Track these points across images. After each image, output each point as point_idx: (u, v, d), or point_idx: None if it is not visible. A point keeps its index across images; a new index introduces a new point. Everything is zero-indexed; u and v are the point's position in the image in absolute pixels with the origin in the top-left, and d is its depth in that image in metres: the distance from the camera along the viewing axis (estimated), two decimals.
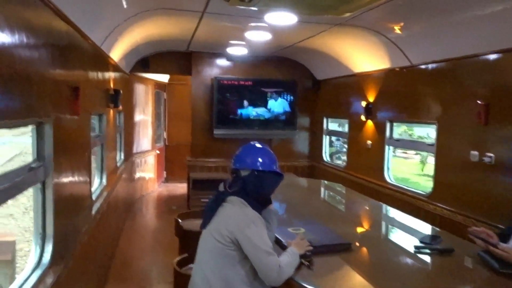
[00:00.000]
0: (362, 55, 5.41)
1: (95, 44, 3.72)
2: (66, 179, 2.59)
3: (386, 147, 5.16)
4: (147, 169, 8.40)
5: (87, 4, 2.97)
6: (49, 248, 2.23)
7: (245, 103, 7.03)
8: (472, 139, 3.64)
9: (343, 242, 2.58)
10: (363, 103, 5.57)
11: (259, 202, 2.32)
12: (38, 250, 2.21)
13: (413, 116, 4.71)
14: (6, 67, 1.65)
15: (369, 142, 5.58)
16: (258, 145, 2.50)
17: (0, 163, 15.50)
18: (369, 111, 5.51)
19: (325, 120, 7.18)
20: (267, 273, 2.06)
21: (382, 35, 4.46)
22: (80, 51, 3.22)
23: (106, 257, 4.53)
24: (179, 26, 4.99)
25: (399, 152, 14.99)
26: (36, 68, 2.03)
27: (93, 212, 3.48)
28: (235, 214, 2.20)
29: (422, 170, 15.47)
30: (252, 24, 4.65)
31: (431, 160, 15.85)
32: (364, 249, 2.74)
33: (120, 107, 4.94)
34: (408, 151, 15.79)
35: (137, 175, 7.78)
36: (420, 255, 2.51)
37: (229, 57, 7.02)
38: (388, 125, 5.14)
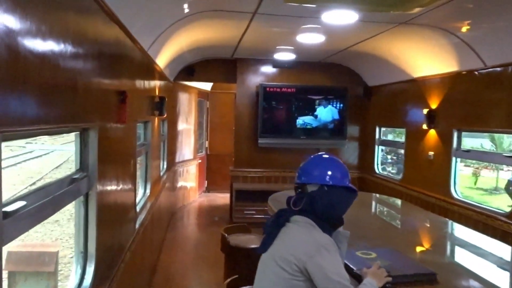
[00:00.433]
0: (424, 58, 4.94)
1: (143, 49, 3.54)
2: (110, 191, 2.36)
3: (453, 158, 4.63)
4: (189, 179, 8.25)
5: (138, 7, 2.78)
6: (91, 269, 1.99)
7: (292, 111, 6.70)
8: None
9: (427, 271, 2.17)
10: (425, 111, 5.07)
11: (330, 223, 1.96)
12: (79, 271, 1.97)
13: (486, 124, 4.18)
14: (50, 71, 1.42)
15: (431, 153, 5.07)
16: (326, 156, 2.16)
17: (48, 169, 16.10)
18: (432, 119, 5.00)
19: (377, 129, 6.70)
20: None
21: (452, 34, 4.00)
22: (129, 56, 3.03)
23: (148, 272, 4.31)
24: (227, 30, 4.76)
25: None
26: (82, 74, 1.81)
27: (137, 225, 3.26)
28: (303, 237, 1.85)
29: (475, 184, 14.42)
30: (305, 26, 4.34)
31: (485, 173, 14.78)
32: (451, 281, 2.30)
33: (165, 115, 4.77)
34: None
35: (179, 184, 7.63)
36: None
37: (275, 64, 6.74)
38: (455, 135, 4.61)
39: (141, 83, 3.68)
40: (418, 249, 2.84)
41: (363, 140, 7.06)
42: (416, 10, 3.39)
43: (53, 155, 19.03)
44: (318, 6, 3.34)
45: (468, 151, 4.68)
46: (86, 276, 1.98)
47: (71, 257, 6.63)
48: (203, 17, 3.95)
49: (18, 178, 14.41)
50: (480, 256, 2.92)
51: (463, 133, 4.69)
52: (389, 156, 10.85)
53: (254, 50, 6.05)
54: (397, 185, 5.90)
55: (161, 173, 5.71)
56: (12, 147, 17.10)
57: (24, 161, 17.09)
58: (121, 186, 2.65)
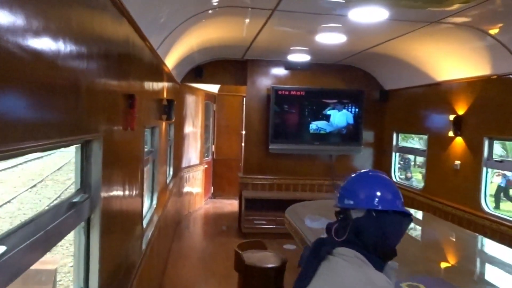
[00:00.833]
0: (451, 60, 4.60)
1: (153, 48, 3.22)
2: (116, 211, 2.03)
3: (484, 169, 4.28)
4: (195, 185, 7.92)
5: (149, 0, 2.47)
6: None
7: (304, 115, 6.37)
8: None
9: None
10: (451, 117, 4.73)
11: (381, 256, 1.62)
12: None
13: None
14: (43, 71, 1.10)
15: (457, 162, 4.72)
16: (372, 173, 1.81)
17: (49, 171, 15.80)
18: (458, 126, 4.66)
19: (394, 135, 6.36)
20: None
21: (487, 34, 3.66)
22: (138, 56, 2.71)
23: None
24: (241, 29, 4.44)
25: None
26: (86, 75, 1.49)
27: (144, 245, 2.92)
28: (354, 277, 1.51)
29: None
30: (326, 25, 4.01)
31: (496, 179, 14.35)
32: None
33: (173, 119, 4.45)
34: None
35: (185, 191, 7.30)
36: None
37: (287, 65, 6.41)
38: (486, 143, 4.27)
39: (149, 86, 3.36)
40: (466, 276, 2.50)
41: (379, 146, 6.72)
42: (455, 6, 3.06)
43: (55, 156, 18.74)
44: (346, 1, 3.01)
45: (501, 161, 4.33)
46: None
47: (71, 266, 6.31)
48: (217, 14, 3.63)
49: (19, 180, 14.11)
50: None
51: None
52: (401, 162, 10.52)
53: (267, 50, 5.73)
54: (418, 195, 5.55)
55: (168, 180, 5.39)
56: None
57: (26, 162, 16.79)
58: (127, 204, 2.32)
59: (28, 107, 1.01)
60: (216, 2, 3.32)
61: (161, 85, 4.21)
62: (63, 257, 6.73)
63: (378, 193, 1.64)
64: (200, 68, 6.44)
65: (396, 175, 6.43)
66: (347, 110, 6.40)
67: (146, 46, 2.98)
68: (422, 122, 5.54)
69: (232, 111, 8.95)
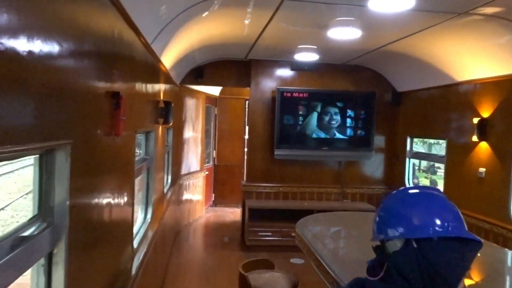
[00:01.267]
0: (476, 58, 4.19)
1: (146, 42, 2.83)
2: (93, 238, 1.63)
3: None
4: (195, 192, 7.50)
5: None
6: None
7: (312, 118, 5.97)
8: None
9: None
10: (474, 120, 4.32)
11: None
12: None
13: None
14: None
15: (482, 169, 4.31)
16: (412, 191, 1.39)
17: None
18: (483, 129, 4.25)
19: (408, 140, 5.95)
20: None
21: None
22: (127, 49, 2.32)
23: None
24: (245, 24, 4.05)
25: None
26: (49, 68, 1.09)
27: (134, 268, 2.50)
28: None
29: None
30: (340, 18, 3.62)
31: None
32: None
33: (171, 123, 4.06)
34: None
35: (184, 199, 6.88)
36: None
37: (293, 66, 6.02)
38: None
39: (143, 85, 2.96)
40: None
41: (391, 151, 6.31)
42: None
43: None
44: None
45: None
46: None
47: None
48: (219, 5, 3.24)
49: (15, 186, 13.70)
50: None
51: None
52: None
53: (272, 49, 5.34)
54: None
55: (165, 190, 4.98)
56: None
57: (23, 167, 16.38)
58: (111, 225, 1.92)
59: None
60: None
61: (157, 86, 3.82)
62: None
63: (416, 219, 1.23)
64: (201, 69, 6.05)
65: (411, 183, 6.01)
66: (358, 113, 6.00)
67: (138, 39, 2.59)
68: (440, 126, 5.13)
69: (234, 114, 8.55)
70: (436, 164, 15.91)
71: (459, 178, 4.72)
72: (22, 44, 0.97)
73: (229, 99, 8.53)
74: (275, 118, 5.91)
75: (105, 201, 1.81)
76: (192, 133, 7.26)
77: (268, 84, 6.11)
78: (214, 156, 8.62)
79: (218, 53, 5.62)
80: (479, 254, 3.16)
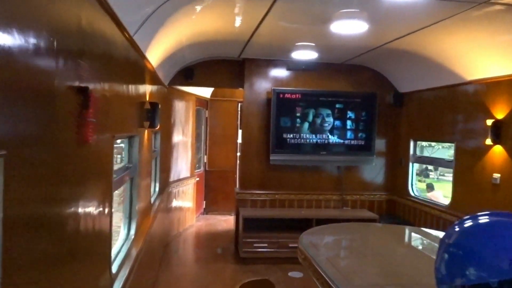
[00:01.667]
0: (490, 54, 3.87)
1: (127, 32, 2.44)
2: (46, 278, 1.22)
3: None
4: (185, 200, 7.07)
5: None
6: None
7: (310, 121, 5.61)
8: None
9: None
10: (488, 122, 4.00)
11: None
12: None
13: None
14: None
15: (496, 175, 3.98)
16: (489, 218, 1.05)
17: None
18: (498, 132, 3.94)
19: (411, 143, 5.62)
20: None
21: None
22: (100, 36, 1.93)
23: None
24: (239, 17, 3.68)
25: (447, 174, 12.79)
26: None
27: None
28: None
29: None
30: (346, 10, 3.27)
31: None
32: None
33: (158, 127, 3.66)
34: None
35: (173, 208, 6.45)
36: None
37: (290, 66, 5.66)
38: None
39: (124, 83, 2.57)
40: None
41: (392, 156, 5.97)
42: None
43: None
44: None
45: None
46: None
47: None
48: None
49: None
50: None
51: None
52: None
53: (268, 47, 4.98)
54: (442, 212, 4.81)
55: (152, 199, 4.56)
56: None
57: None
58: (76, 251, 1.52)
59: None
60: None
61: (142, 85, 3.42)
62: None
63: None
64: (191, 69, 5.66)
65: (414, 189, 5.68)
66: (358, 115, 5.66)
67: (116, 28, 2.19)
68: (447, 128, 4.81)
69: (226, 118, 8.16)
70: (429, 167, 15.62)
71: (470, 184, 4.39)
72: None
73: (221, 102, 8.14)
74: (271, 121, 5.53)
75: (70, 221, 1.41)
76: (182, 138, 6.85)
77: (263, 85, 5.74)
78: (205, 161, 8.21)
79: (209, 51, 5.24)
80: None
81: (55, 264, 1.37)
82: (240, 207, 5.71)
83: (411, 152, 5.61)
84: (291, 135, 5.59)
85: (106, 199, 2.02)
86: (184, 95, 6.74)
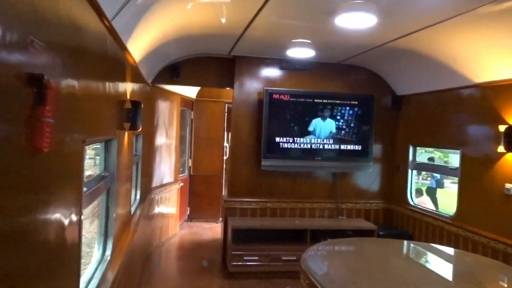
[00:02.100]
0: (502, 55, 3.58)
1: (104, 15, 2.01)
2: None
3: None
4: (169, 207, 6.60)
5: None
6: None
7: (304, 124, 5.24)
8: None
9: None
10: (501, 128, 3.71)
11: None
12: None
13: None
14: None
15: (509, 185, 3.69)
16: None
17: None
18: (510, 139, 3.65)
19: (410, 149, 5.33)
20: None
21: None
22: (66, 17, 1.50)
23: None
24: (233, 8, 3.29)
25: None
26: None
27: None
28: None
29: None
30: (354, 1, 2.91)
31: None
32: None
33: (140, 128, 3.22)
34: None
35: (156, 215, 5.98)
36: None
37: (284, 65, 5.29)
38: None
39: (98, 77, 2.13)
40: None
41: (390, 161, 5.67)
42: None
43: None
44: None
45: None
46: None
47: None
48: None
49: None
50: None
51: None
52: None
53: (261, 44, 4.59)
54: (447, 223, 4.50)
55: (133, 209, 4.11)
56: None
57: None
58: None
59: None
60: None
61: (122, 81, 2.98)
62: None
63: None
64: (177, 66, 5.22)
65: (413, 197, 5.38)
66: (355, 118, 5.32)
67: (87, 4, 1.76)
68: (451, 134, 4.52)
69: (212, 119, 7.73)
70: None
71: (479, 194, 4.10)
72: None
73: (207, 102, 7.71)
74: (262, 124, 5.15)
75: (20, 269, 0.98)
76: (166, 140, 6.38)
77: (254, 85, 5.35)
78: (190, 165, 7.76)
79: (198, 47, 4.81)
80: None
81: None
82: (228, 216, 5.29)
83: (410, 158, 5.32)
84: (284, 139, 5.21)
85: (73, 217, 1.58)
86: (168, 95, 6.28)
